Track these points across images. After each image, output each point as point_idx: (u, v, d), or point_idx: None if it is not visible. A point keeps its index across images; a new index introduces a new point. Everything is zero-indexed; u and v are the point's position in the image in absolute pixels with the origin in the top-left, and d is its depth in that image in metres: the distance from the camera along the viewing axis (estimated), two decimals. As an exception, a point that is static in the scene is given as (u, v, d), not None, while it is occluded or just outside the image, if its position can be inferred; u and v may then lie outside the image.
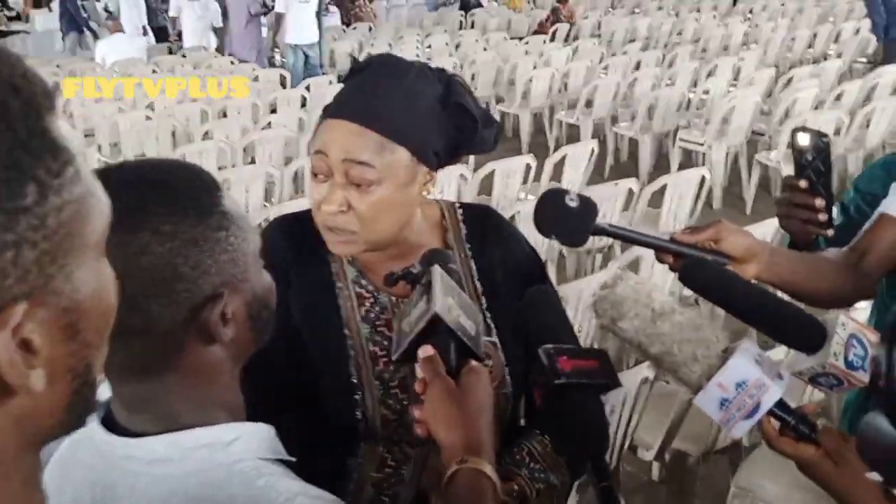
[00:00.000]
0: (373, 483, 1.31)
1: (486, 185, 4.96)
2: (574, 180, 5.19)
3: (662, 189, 4.61)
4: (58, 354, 0.55)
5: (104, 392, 0.85)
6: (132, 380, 0.87)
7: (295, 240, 1.36)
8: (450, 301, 1.08)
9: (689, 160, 6.66)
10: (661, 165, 6.76)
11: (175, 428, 0.85)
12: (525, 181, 5.09)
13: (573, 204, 1.20)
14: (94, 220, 0.57)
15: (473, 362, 1.07)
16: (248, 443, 0.87)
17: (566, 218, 1.20)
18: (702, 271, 1.18)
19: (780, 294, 1.32)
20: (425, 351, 1.05)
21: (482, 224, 1.43)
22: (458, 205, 1.45)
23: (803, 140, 1.46)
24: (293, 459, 0.91)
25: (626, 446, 2.66)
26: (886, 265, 1.44)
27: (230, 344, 0.88)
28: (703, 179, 4.71)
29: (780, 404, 1.07)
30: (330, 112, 1.27)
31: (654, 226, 4.67)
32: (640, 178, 6.40)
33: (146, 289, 0.81)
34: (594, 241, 4.41)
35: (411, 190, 1.28)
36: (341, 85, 1.36)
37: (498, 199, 4.89)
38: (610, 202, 4.44)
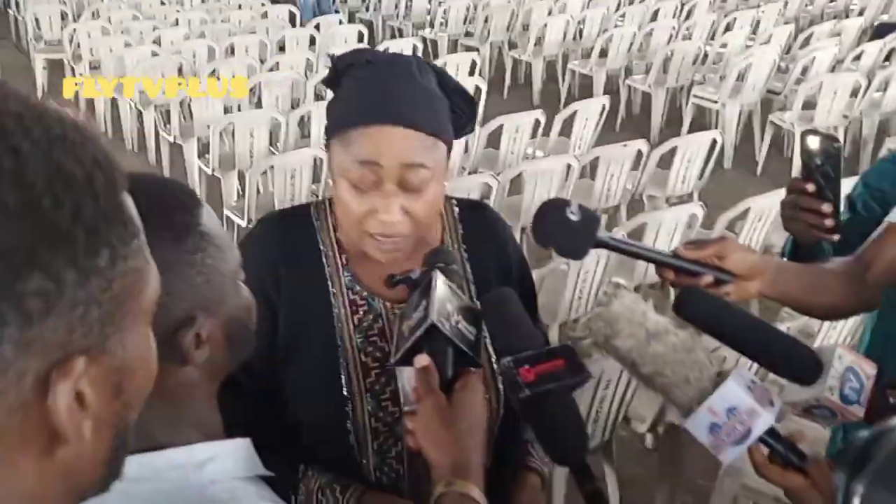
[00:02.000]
0: None
1: (494, 140, 4.91)
2: (584, 136, 5.13)
3: (673, 150, 4.55)
4: (104, 411, 0.58)
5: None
6: None
7: (285, 242, 1.31)
8: (448, 307, 1.06)
9: (702, 116, 6.56)
10: (673, 120, 6.67)
11: (148, 447, 0.83)
12: (534, 136, 5.02)
13: (574, 217, 1.15)
14: (148, 290, 0.62)
15: (470, 375, 1.05)
16: (224, 462, 0.85)
17: (567, 231, 1.16)
18: (696, 302, 1.15)
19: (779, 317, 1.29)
20: (420, 361, 1.03)
21: (478, 223, 1.39)
22: (454, 201, 1.41)
23: (813, 143, 1.41)
24: (272, 475, 0.89)
25: (620, 418, 2.68)
26: (892, 276, 1.41)
27: (205, 365, 0.86)
28: (713, 142, 4.64)
29: (771, 432, 1.06)
30: (365, 119, 1.19)
31: (662, 188, 4.63)
32: (651, 134, 6.33)
33: None
34: (599, 203, 4.38)
35: (444, 182, 1.26)
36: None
37: (505, 155, 4.83)
38: (618, 163, 4.38)
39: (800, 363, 1.11)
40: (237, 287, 0.90)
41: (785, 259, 1.64)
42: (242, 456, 0.88)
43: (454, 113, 1.26)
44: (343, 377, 1.28)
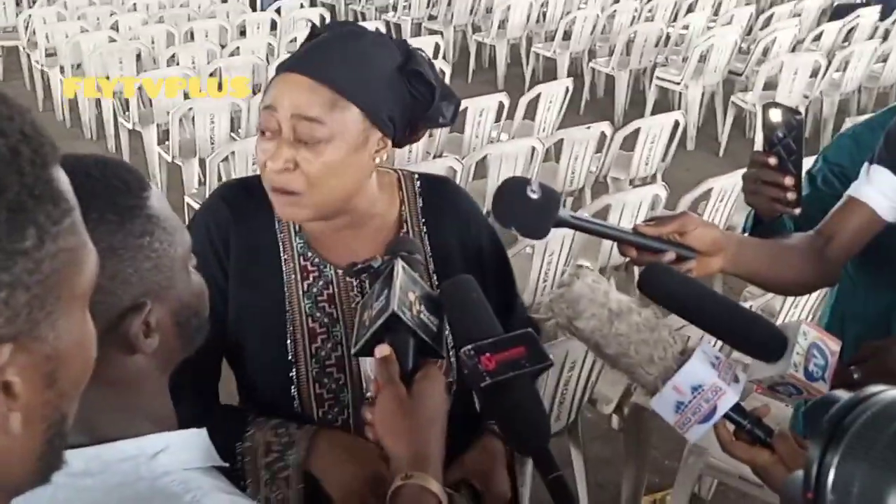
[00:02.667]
0: (266, 465, 1.25)
1: (458, 124, 4.88)
2: (548, 119, 5.12)
3: (636, 131, 4.56)
4: (35, 402, 0.55)
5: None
6: None
7: (239, 207, 1.31)
8: (410, 297, 1.04)
9: (665, 98, 6.59)
10: (636, 102, 6.69)
11: (97, 440, 0.80)
12: (498, 119, 5.00)
13: (534, 196, 1.13)
14: (84, 272, 0.58)
15: (431, 366, 1.04)
16: (176, 453, 0.83)
17: (527, 210, 1.14)
18: (660, 278, 1.13)
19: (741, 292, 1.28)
20: (381, 351, 1.01)
21: (439, 198, 1.39)
22: (416, 175, 1.40)
23: (775, 116, 1.40)
24: (227, 465, 0.88)
25: (585, 399, 2.68)
26: (852, 250, 1.41)
27: (155, 354, 0.83)
28: (676, 123, 4.66)
29: (736, 408, 1.05)
30: (282, 67, 1.23)
31: (626, 169, 4.64)
32: (615, 116, 6.35)
33: None
34: (564, 186, 4.38)
35: (362, 155, 1.23)
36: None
37: (470, 139, 4.81)
38: (582, 145, 4.38)
39: (763, 339, 1.10)
40: (188, 272, 0.87)
41: (746, 234, 1.64)
42: (197, 446, 0.86)
43: (414, 98, 1.25)
44: (289, 342, 1.27)
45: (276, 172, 1.19)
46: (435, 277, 1.33)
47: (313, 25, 1.30)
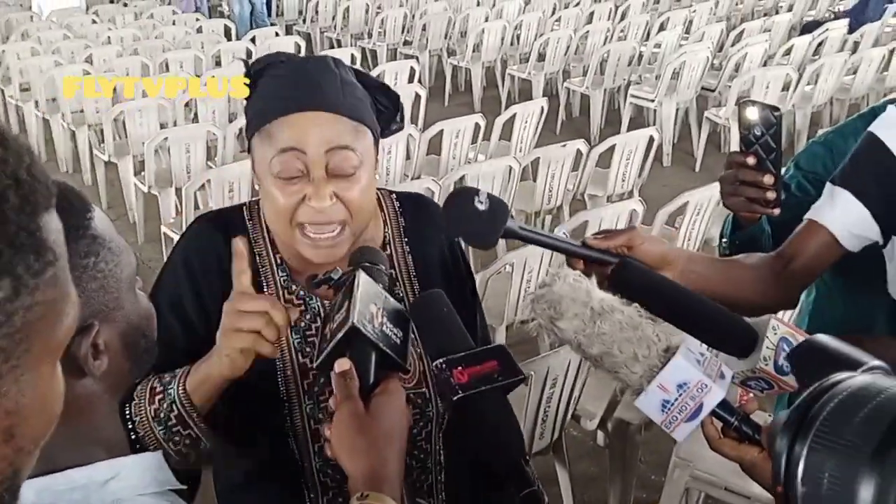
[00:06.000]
0: (155, 416, 1.15)
1: (435, 145, 4.89)
2: (524, 139, 5.14)
3: (612, 148, 4.58)
4: None
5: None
6: None
7: (220, 242, 1.26)
8: (372, 309, 1.02)
9: (640, 115, 6.64)
10: (612, 121, 6.74)
11: (48, 469, 0.78)
12: (475, 140, 5.02)
13: (482, 206, 1.11)
14: (62, 324, 0.56)
15: (391, 381, 1.01)
16: (128, 479, 0.81)
17: (475, 220, 1.12)
18: (631, 276, 1.13)
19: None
20: (340, 365, 0.99)
21: (420, 215, 1.38)
22: (394, 195, 1.40)
23: (752, 114, 1.37)
24: (184, 487, 0.86)
25: (569, 416, 2.67)
26: (812, 274, 1.40)
27: (104, 377, 0.82)
28: (651, 139, 4.69)
29: (723, 404, 1.03)
30: (284, 109, 1.17)
31: (603, 186, 4.65)
32: (591, 134, 6.39)
33: None
34: (542, 204, 4.39)
35: (375, 174, 1.24)
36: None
37: (447, 161, 4.82)
38: (558, 163, 4.39)
39: (735, 334, 1.09)
40: (135, 294, 0.86)
41: (724, 240, 1.62)
42: (150, 470, 0.84)
43: (377, 109, 1.25)
44: (280, 379, 1.24)
45: (323, 210, 1.16)
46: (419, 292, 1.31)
47: (246, 63, 1.25)
